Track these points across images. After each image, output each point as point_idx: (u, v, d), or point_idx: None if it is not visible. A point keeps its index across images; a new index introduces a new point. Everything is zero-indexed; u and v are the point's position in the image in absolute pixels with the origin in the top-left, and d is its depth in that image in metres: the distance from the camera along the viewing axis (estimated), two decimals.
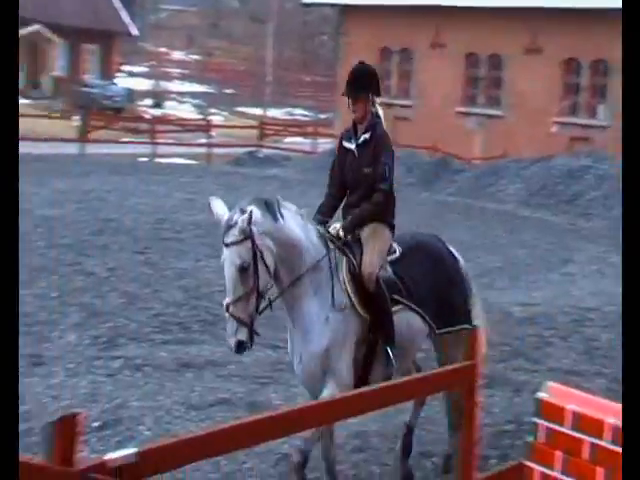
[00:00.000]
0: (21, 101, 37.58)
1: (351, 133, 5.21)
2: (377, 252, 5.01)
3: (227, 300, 4.51)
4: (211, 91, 55.16)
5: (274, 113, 48.36)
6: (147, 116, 37.00)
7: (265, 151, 28.35)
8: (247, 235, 4.47)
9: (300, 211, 4.89)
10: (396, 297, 4.99)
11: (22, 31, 41.28)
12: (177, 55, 67.73)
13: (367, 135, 5.11)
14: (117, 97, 39.84)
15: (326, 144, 28.91)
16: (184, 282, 9.76)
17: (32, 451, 4.49)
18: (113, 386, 6.63)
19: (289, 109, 53.26)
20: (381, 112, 5.23)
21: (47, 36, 42.58)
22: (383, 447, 5.76)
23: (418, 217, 18.53)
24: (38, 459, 2.85)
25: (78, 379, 6.76)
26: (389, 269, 5.06)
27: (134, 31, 47.46)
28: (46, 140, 23.80)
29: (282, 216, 4.69)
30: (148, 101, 47.04)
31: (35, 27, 41.66)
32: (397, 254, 5.16)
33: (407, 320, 5.03)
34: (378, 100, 5.24)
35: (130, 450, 3.08)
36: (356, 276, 4.91)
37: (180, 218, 14.63)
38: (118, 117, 34.69)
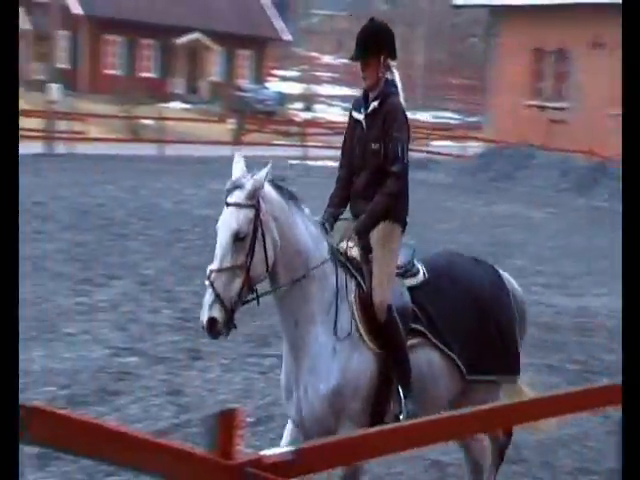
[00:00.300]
0: (181, 105, 39.29)
1: (361, 102, 4.39)
2: (387, 269, 4.21)
3: (211, 266, 3.85)
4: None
5: (422, 116, 48.07)
6: (298, 119, 37.75)
7: (413, 155, 28.18)
8: (253, 203, 3.87)
9: (315, 219, 4.21)
10: (415, 327, 4.24)
11: (183, 39, 43.22)
12: (327, 59, 68.68)
13: (376, 103, 4.27)
14: (269, 101, 40.88)
15: (475, 148, 28.43)
16: None
17: (192, 441, 4.68)
18: (265, 383, 6.79)
19: (437, 112, 52.80)
20: (398, 79, 4.37)
21: (206, 43, 44.29)
22: (536, 460, 5.60)
23: (572, 224, 17.85)
24: (199, 450, 2.89)
25: (232, 375, 6.97)
26: (406, 295, 4.26)
27: (286, 37, 48.54)
28: (204, 143, 24.73)
29: (293, 212, 4.06)
30: (299, 105, 47.96)
31: (195, 35, 43.47)
32: (421, 277, 4.36)
33: (427, 357, 4.26)
34: (394, 64, 4.38)
35: (287, 448, 3.12)
36: (365, 302, 4.16)
37: None
38: (270, 120, 35.62)
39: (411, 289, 4.30)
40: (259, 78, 46.70)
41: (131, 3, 41.32)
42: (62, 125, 22.69)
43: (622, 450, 3.10)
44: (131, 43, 43.17)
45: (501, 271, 4.66)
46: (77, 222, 12.83)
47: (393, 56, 4.36)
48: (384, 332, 4.12)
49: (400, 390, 4.12)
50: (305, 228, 4.08)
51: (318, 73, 61.77)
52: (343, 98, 54.35)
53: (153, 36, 42.93)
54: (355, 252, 4.27)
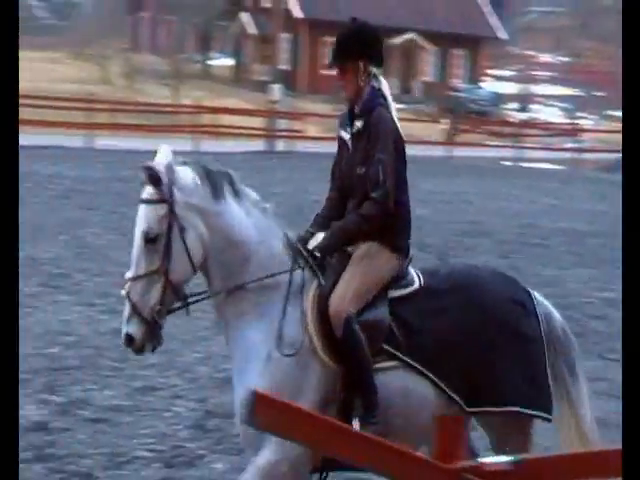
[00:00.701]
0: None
1: (346, 118, 3.78)
2: (356, 284, 3.56)
3: (127, 274, 3.45)
4: (580, 94, 53.23)
5: None
6: (512, 120, 36.85)
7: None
8: (163, 197, 3.38)
9: (263, 204, 3.62)
10: (387, 348, 3.54)
11: (397, 39, 43.55)
12: (545, 58, 66.48)
13: (360, 123, 3.66)
14: (483, 101, 40.26)
15: None
16: (548, 290, 9.50)
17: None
18: None
19: None
20: (386, 87, 3.73)
21: (420, 43, 44.37)
22: None
23: None
24: (419, 452, 2.90)
25: None
26: (383, 307, 3.59)
27: (502, 35, 47.50)
28: (417, 143, 24.81)
29: (226, 197, 3.50)
30: (514, 105, 46.81)
31: (409, 35, 43.68)
32: (414, 288, 3.67)
33: (404, 384, 3.55)
34: (378, 71, 3.72)
35: (507, 457, 3.06)
36: (324, 311, 3.54)
37: (545, 224, 14.36)
38: (483, 121, 35.06)
39: (398, 300, 3.62)
40: (473, 78, 46.06)
41: (348, 6, 42.27)
42: (282, 124, 23.63)
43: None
44: None
45: (535, 293, 3.84)
46: (293, 218, 13.29)
47: (378, 62, 3.73)
48: (341, 347, 3.48)
49: (355, 421, 3.47)
50: (247, 217, 3.53)
51: (535, 72, 59.91)
52: (562, 98, 52.48)
53: None
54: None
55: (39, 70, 33.28)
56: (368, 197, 3.60)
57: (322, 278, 3.60)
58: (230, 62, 46.67)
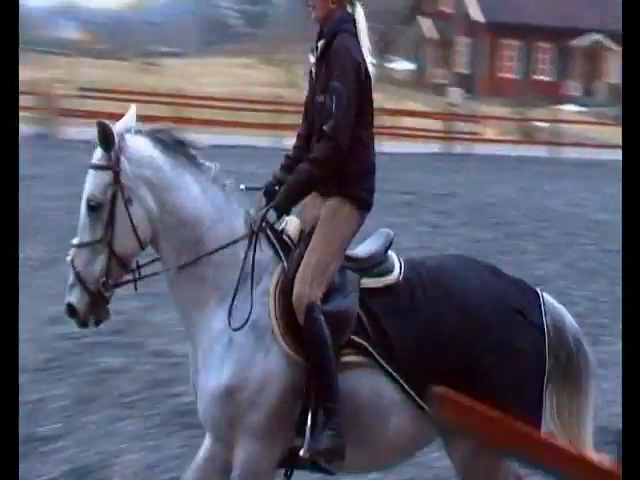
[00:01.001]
0: (576, 108, 38.47)
1: (315, 42, 3.44)
2: (317, 256, 3.19)
3: (73, 241, 3.24)
4: None
5: None
6: None
7: None
8: (109, 164, 3.15)
9: (224, 180, 3.32)
10: (356, 340, 3.18)
11: (580, 41, 42.25)
12: None
13: (321, 43, 3.35)
14: None
15: None
16: None
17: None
18: None
19: None
20: (361, 16, 3.39)
21: (606, 44, 42.78)
22: None
23: None
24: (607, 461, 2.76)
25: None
26: (353, 296, 3.21)
27: None
28: (599, 146, 24.08)
29: (181, 172, 3.23)
30: None
31: (595, 37, 42.23)
32: (392, 279, 3.28)
33: (371, 384, 3.19)
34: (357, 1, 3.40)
35: None
36: (287, 295, 3.20)
37: None
38: None
39: (372, 292, 3.25)
40: None
41: (530, 8, 41.44)
42: (461, 126, 23.70)
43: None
44: (527, 47, 43.28)
45: (546, 295, 3.42)
46: (472, 219, 13.42)
47: None
48: (303, 336, 3.15)
49: (309, 416, 3.14)
50: (202, 192, 3.23)
51: None
52: None
53: (549, 39, 42.56)
54: (293, 228, 3.34)
55: (234, 75, 35.19)
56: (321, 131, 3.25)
57: (286, 258, 3.27)
58: (410, 66, 47.09)
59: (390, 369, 3.18)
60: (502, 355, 3.19)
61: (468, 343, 3.18)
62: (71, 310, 3.21)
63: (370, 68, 3.36)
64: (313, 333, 3.12)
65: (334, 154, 3.21)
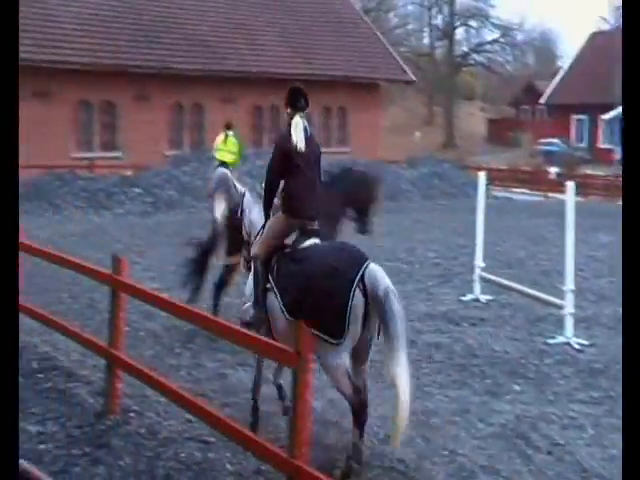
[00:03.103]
0: None
1: None
2: (264, 233, 6.15)
3: None
4: None
5: None
6: None
7: None
8: None
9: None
10: (270, 280, 5.88)
11: None
12: None
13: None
14: None
15: None
16: None
17: None
18: None
19: None
20: (294, 123, 6.00)
21: None
22: None
23: None
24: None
25: None
26: (277, 257, 5.94)
27: None
28: None
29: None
30: None
31: None
32: (295, 248, 5.91)
33: (274, 302, 5.82)
34: (299, 114, 6.05)
35: None
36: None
37: None
38: None
39: (285, 254, 5.90)
40: None
41: None
42: None
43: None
44: None
45: (372, 265, 5.47)
46: None
47: (296, 108, 6.14)
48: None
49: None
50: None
51: None
52: None
53: None
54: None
55: None
56: None
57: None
58: None
59: (279, 297, 5.78)
60: (320, 294, 5.47)
61: (307, 287, 5.55)
62: None
63: (300, 146, 5.93)
64: (255, 271, 6.10)
65: (266, 190, 6.16)
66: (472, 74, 63.69)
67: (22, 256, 8.39)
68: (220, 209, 9.31)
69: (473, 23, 62.61)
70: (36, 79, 23.56)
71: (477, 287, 11.32)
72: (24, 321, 8.53)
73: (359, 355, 5.52)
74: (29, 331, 8.64)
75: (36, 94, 23.79)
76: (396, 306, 5.31)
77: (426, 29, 66.62)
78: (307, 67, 29.70)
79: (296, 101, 5.97)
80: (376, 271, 5.41)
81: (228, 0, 30.64)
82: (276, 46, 29.77)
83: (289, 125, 5.95)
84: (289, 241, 5.97)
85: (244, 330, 5.42)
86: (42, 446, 5.78)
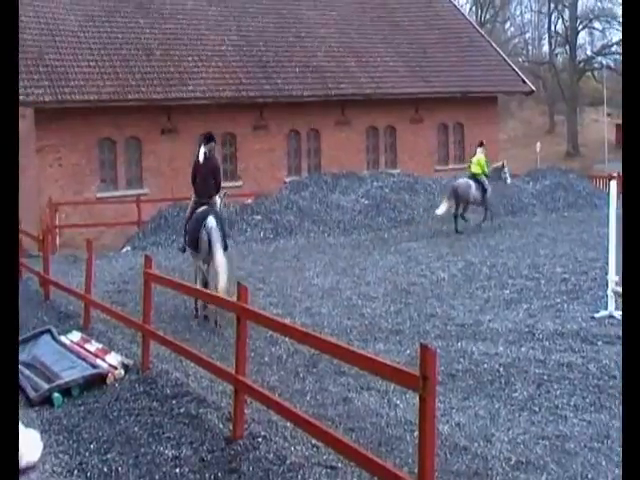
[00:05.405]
0: None
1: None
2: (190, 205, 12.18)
3: None
4: None
5: None
6: None
7: None
8: None
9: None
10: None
11: None
12: None
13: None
14: None
15: None
16: None
17: None
18: None
19: None
20: (201, 151, 12.02)
21: None
22: None
23: None
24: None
25: None
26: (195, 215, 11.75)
27: None
28: None
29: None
30: None
31: None
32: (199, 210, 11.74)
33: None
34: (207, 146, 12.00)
35: None
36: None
37: None
38: None
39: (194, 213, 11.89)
40: None
41: None
42: None
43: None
44: None
45: (210, 217, 11.38)
46: None
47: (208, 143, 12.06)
48: None
49: None
50: None
51: None
52: None
53: None
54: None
55: None
56: None
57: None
58: None
59: (188, 233, 12.04)
60: (192, 231, 11.85)
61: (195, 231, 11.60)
62: None
63: (201, 157, 11.89)
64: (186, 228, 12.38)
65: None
66: (597, 79, 62.10)
67: (154, 286, 8.75)
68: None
69: (597, 24, 60.91)
70: (162, 117, 24.80)
71: (611, 303, 10.82)
72: (159, 349, 8.89)
73: (208, 260, 11.45)
74: (162, 358, 8.98)
75: (164, 132, 25.02)
76: (213, 230, 11.23)
77: (545, 36, 65.35)
78: (424, 85, 29.62)
79: (208, 141, 11.82)
80: (209, 220, 11.28)
81: (340, 25, 31.04)
82: (391, 66, 29.86)
83: (198, 152, 11.91)
84: (196, 207, 11.78)
85: (369, 354, 5.33)
86: (177, 470, 5.99)
